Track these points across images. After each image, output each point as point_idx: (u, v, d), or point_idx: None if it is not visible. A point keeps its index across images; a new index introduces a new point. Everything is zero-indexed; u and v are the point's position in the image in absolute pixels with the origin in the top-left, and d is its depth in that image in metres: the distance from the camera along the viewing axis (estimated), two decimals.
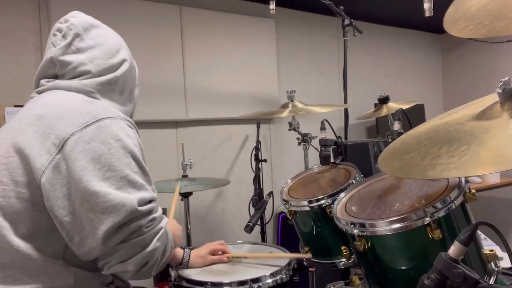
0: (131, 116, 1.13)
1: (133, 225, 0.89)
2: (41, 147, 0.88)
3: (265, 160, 2.31)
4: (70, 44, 1.02)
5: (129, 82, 1.12)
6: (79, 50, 1.02)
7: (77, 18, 1.05)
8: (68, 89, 1.00)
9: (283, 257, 1.41)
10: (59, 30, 1.04)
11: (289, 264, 1.39)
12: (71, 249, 0.92)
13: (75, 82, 1.00)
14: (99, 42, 1.05)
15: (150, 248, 0.92)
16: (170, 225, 1.06)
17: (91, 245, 0.88)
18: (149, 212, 0.92)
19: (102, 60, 1.04)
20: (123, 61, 1.09)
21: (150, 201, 0.93)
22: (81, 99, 0.98)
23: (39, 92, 1.04)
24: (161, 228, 0.96)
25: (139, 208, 0.89)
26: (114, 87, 1.06)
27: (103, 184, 0.87)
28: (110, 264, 0.92)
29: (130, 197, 0.88)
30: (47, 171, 0.87)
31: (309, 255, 1.42)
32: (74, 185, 0.86)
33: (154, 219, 0.93)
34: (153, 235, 0.93)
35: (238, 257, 1.48)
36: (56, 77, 1.05)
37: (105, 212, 0.86)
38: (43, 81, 1.05)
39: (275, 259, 1.45)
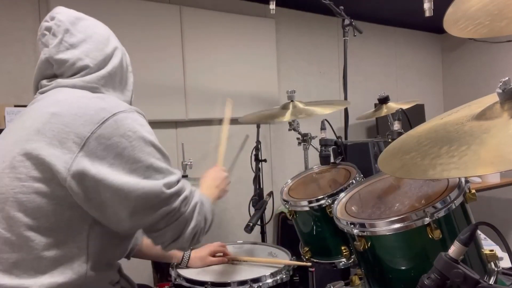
0: (130, 105, 1.14)
1: (166, 209, 0.95)
2: (62, 146, 0.89)
3: (265, 160, 2.31)
4: (61, 41, 1.02)
5: (124, 69, 1.13)
6: (72, 46, 1.02)
7: (62, 14, 1.05)
8: (73, 87, 1.01)
9: (284, 263, 1.41)
10: (47, 28, 1.04)
11: (289, 264, 1.39)
12: (89, 245, 0.94)
13: (78, 81, 1.01)
14: (89, 34, 1.06)
15: (193, 223, 1.00)
16: (211, 175, 1.25)
17: (121, 224, 0.94)
18: (179, 192, 0.97)
19: (97, 51, 1.05)
20: (115, 48, 1.10)
21: (177, 182, 0.98)
22: (91, 96, 1.00)
23: (43, 93, 1.04)
24: (196, 203, 1.02)
25: (167, 191, 0.93)
26: (115, 78, 1.08)
27: (130, 177, 0.90)
28: (165, 244, 1.01)
29: (158, 183, 0.92)
30: (72, 169, 0.87)
31: (309, 264, 1.42)
32: (102, 182, 0.88)
33: (186, 198, 0.99)
34: (191, 211, 1.00)
35: (238, 260, 1.48)
36: (55, 76, 1.05)
37: (136, 199, 0.90)
38: (44, 82, 1.05)
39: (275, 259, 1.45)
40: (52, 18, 1.04)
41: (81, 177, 0.88)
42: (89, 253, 0.94)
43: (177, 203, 0.96)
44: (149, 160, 0.93)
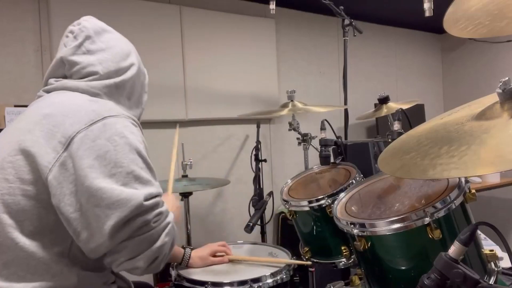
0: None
1: (139, 220, 0.89)
2: (48, 145, 0.89)
3: (265, 160, 2.31)
4: (80, 45, 1.03)
5: (138, 87, 1.13)
6: (89, 52, 1.03)
7: (89, 22, 1.07)
8: (75, 89, 1.01)
9: (284, 262, 1.41)
10: (71, 31, 1.06)
11: (289, 264, 1.39)
12: (75, 248, 0.93)
13: (82, 83, 1.01)
14: (110, 45, 1.06)
15: (158, 243, 0.93)
16: (168, 201, 1.07)
17: (98, 241, 0.88)
18: (155, 206, 0.92)
19: (111, 62, 1.05)
20: (131, 65, 1.10)
21: (155, 196, 0.94)
22: (86, 99, 0.99)
23: (47, 91, 1.05)
24: (168, 223, 0.96)
25: (145, 202, 0.89)
26: (122, 91, 1.07)
27: (109, 180, 0.88)
28: (118, 261, 0.92)
29: (136, 192, 0.89)
30: (54, 168, 0.88)
31: (309, 263, 1.42)
32: (80, 182, 0.87)
33: (160, 213, 0.94)
34: (161, 230, 0.94)
35: (238, 260, 1.48)
36: (64, 77, 1.06)
37: (111, 207, 0.86)
38: (51, 80, 1.07)
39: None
40: (79, 24, 1.06)
41: (61, 172, 0.88)
42: (75, 258, 0.93)
43: (149, 216, 0.91)
44: (130, 166, 0.90)
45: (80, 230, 0.89)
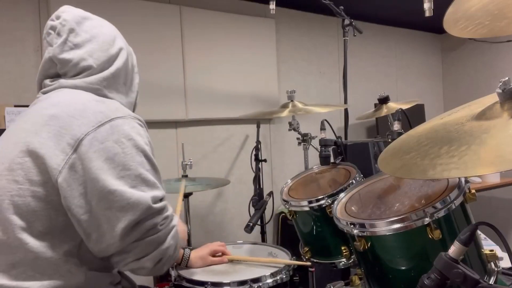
0: (135, 106, 1.15)
1: (148, 223, 0.92)
2: (56, 147, 0.89)
3: (265, 160, 2.31)
4: (65, 40, 1.02)
5: (130, 69, 1.12)
6: (76, 46, 1.02)
7: (68, 13, 1.04)
8: (75, 88, 1.01)
9: (284, 263, 1.40)
10: (53, 28, 1.04)
11: (289, 264, 1.39)
12: (84, 248, 0.93)
13: (80, 81, 1.01)
14: (94, 34, 1.05)
15: (165, 245, 0.96)
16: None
17: (109, 241, 0.90)
18: (162, 210, 0.95)
19: (101, 52, 1.04)
20: (121, 49, 1.09)
21: (161, 199, 0.96)
22: (92, 98, 0.99)
23: (45, 93, 1.04)
24: (174, 226, 0.99)
25: (154, 205, 0.92)
26: (118, 79, 1.07)
27: (118, 182, 0.89)
28: (126, 261, 0.95)
29: (145, 195, 0.91)
30: (64, 170, 0.88)
31: (309, 263, 1.42)
32: (90, 184, 0.88)
33: (167, 217, 0.96)
34: (167, 232, 0.96)
35: (237, 260, 1.48)
36: (58, 76, 1.05)
37: (122, 209, 0.88)
38: (47, 81, 1.05)
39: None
40: (58, 17, 1.04)
41: (71, 174, 0.88)
42: (84, 257, 0.94)
43: (158, 219, 0.93)
44: (138, 169, 0.92)
45: (90, 231, 0.90)
